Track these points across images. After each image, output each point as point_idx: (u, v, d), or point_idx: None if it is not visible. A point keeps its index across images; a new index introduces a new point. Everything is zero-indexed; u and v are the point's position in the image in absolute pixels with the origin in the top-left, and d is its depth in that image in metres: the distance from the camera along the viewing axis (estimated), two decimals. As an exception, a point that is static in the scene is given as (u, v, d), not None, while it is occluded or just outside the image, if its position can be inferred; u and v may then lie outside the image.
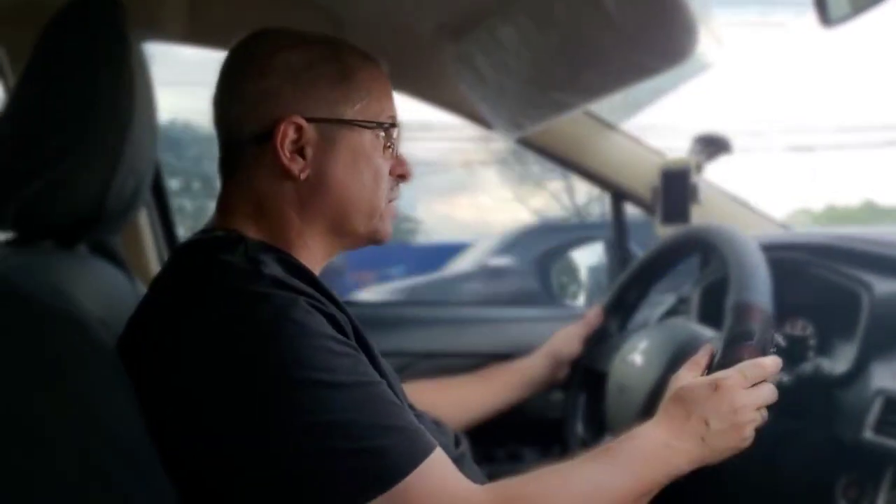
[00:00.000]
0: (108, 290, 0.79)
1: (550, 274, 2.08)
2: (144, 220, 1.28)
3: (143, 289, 0.81)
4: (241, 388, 0.62)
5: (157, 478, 0.61)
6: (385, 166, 0.78)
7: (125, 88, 0.69)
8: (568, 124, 1.42)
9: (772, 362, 0.81)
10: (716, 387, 0.77)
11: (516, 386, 1.17)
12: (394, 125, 0.79)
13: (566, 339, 1.19)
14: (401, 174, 0.81)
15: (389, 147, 0.79)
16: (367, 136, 0.77)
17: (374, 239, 0.80)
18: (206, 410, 0.63)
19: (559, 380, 1.20)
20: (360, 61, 0.78)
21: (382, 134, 0.78)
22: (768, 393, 0.79)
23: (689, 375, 0.83)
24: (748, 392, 0.78)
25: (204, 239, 0.74)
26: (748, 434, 0.77)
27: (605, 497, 0.71)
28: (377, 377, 0.68)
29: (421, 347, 1.46)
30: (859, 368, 0.91)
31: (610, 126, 1.52)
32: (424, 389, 1.08)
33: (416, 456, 0.64)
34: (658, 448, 0.75)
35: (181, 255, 0.75)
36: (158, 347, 0.66)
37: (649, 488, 0.74)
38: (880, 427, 0.82)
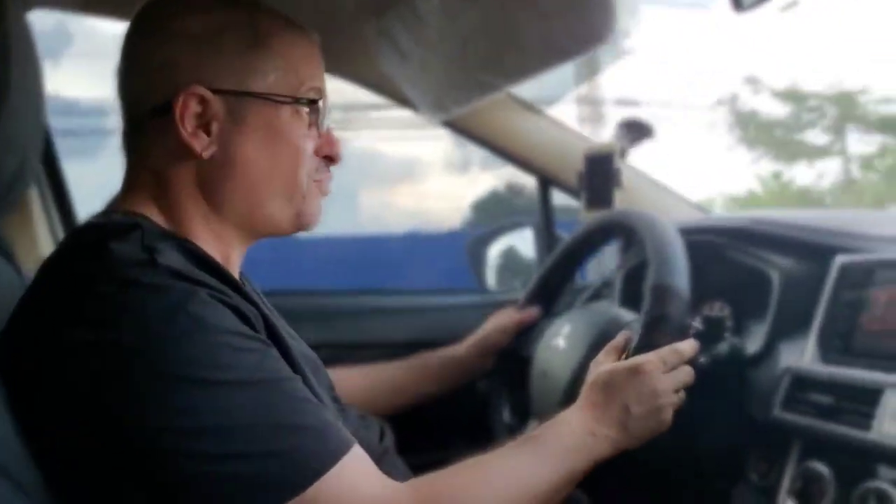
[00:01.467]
0: None
1: (480, 259, 2.07)
2: (35, 200, 1.19)
3: (30, 277, 0.74)
4: (132, 390, 0.57)
5: (41, 497, 0.56)
6: (307, 145, 0.72)
7: (1, 61, 0.63)
8: (494, 108, 1.42)
9: (689, 346, 0.82)
10: (636, 371, 0.78)
11: (445, 374, 1.16)
12: (316, 100, 0.72)
13: (496, 328, 1.19)
14: (328, 155, 0.75)
15: (313, 124, 0.72)
16: (285, 110, 0.70)
17: (297, 225, 0.74)
18: (93, 416, 0.57)
19: (488, 368, 1.20)
20: (276, 27, 0.71)
21: (304, 109, 0.71)
22: (685, 376, 0.81)
23: (607, 361, 0.83)
24: (667, 375, 0.79)
25: (99, 223, 0.68)
26: (667, 417, 0.79)
27: (529, 487, 0.71)
28: (287, 372, 0.64)
29: (347, 338, 1.44)
30: (770, 348, 0.93)
31: (536, 111, 1.52)
32: (352, 376, 1.07)
33: (327, 456, 0.60)
34: (580, 435, 0.75)
35: (71, 242, 0.69)
36: (42, 344, 0.60)
37: (573, 476, 0.74)
38: (787, 404, 0.84)
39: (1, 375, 0.60)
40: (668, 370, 0.79)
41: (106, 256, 0.61)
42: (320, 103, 0.73)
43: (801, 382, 0.84)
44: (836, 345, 0.84)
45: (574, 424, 0.76)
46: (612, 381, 0.78)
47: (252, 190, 0.71)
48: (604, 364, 0.83)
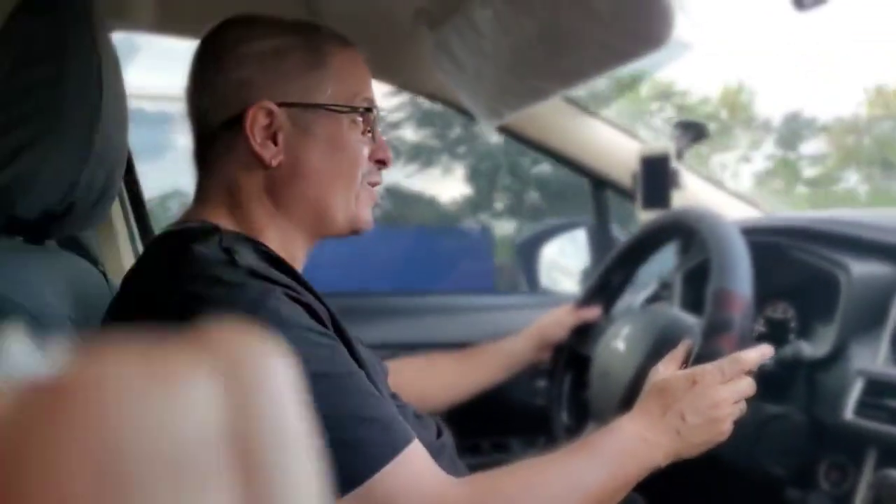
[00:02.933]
0: (79, 286, 0.77)
1: (534, 261, 2.07)
2: (117, 212, 1.26)
3: (117, 284, 0.79)
4: None
5: None
6: (363, 150, 0.77)
7: (93, 79, 0.67)
8: (547, 111, 1.42)
9: (750, 357, 0.81)
10: (693, 381, 0.78)
11: (500, 366, 1.16)
12: (370, 109, 0.78)
13: (553, 322, 1.19)
14: (380, 159, 0.80)
15: (368, 131, 0.78)
16: (343, 120, 0.76)
17: (354, 227, 0.79)
18: None
19: (542, 362, 1.20)
20: (332, 46, 0.77)
21: (359, 118, 0.77)
22: (746, 387, 0.80)
23: (667, 370, 0.83)
24: (725, 387, 0.78)
25: (177, 231, 0.73)
26: (725, 428, 0.78)
27: (582, 491, 0.72)
28: (355, 367, 0.67)
29: (404, 338, 1.46)
30: (839, 350, 0.91)
31: (589, 112, 1.51)
32: (409, 367, 1.09)
33: (391, 448, 0.63)
34: (635, 442, 0.76)
35: (154, 249, 0.74)
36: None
37: (626, 482, 0.74)
38: (861, 409, 0.83)
39: None
40: (728, 381, 0.79)
41: (189, 257, 0.66)
42: (373, 112, 0.78)
43: (875, 386, 0.82)
44: (911, 348, 0.82)
45: (628, 431, 0.77)
46: (669, 389, 0.79)
47: (317, 193, 0.76)
48: (662, 373, 0.83)
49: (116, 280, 0.84)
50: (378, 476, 0.61)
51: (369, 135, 0.78)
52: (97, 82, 0.67)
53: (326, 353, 0.64)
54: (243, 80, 0.73)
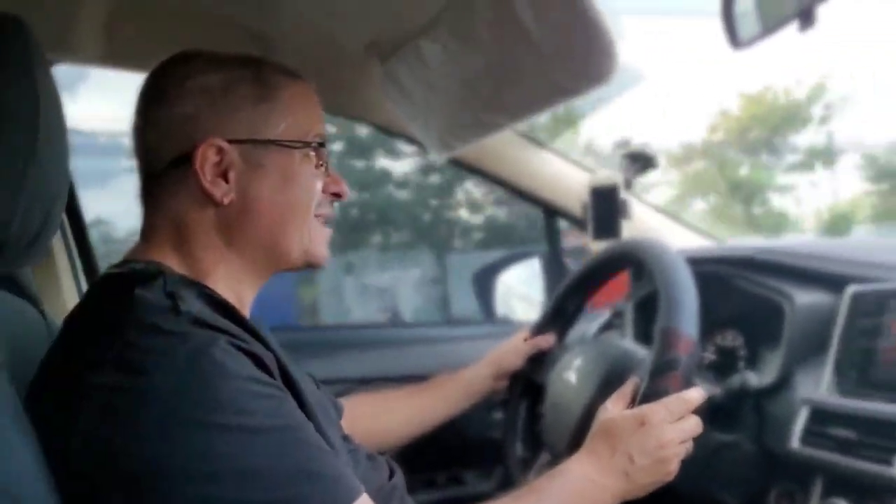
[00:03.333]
0: (14, 328, 0.74)
1: (490, 290, 2.07)
2: (59, 249, 1.22)
3: (57, 324, 0.76)
4: (153, 430, 0.58)
5: None
6: (316, 184, 0.77)
7: (30, 112, 0.65)
8: (498, 143, 1.43)
9: (696, 395, 0.81)
10: (641, 422, 0.78)
11: (458, 398, 1.15)
12: (322, 144, 0.77)
13: (510, 351, 1.18)
14: (335, 192, 0.80)
15: (320, 165, 0.77)
16: (296, 155, 0.75)
17: (308, 261, 0.78)
18: (115, 455, 0.58)
19: (500, 391, 1.19)
20: (282, 79, 0.76)
21: (312, 153, 0.76)
22: (692, 426, 0.80)
23: (614, 408, 0.83)
24: (673, 426, 0.79)
25: (121, 273, 0.70)
26: (673, 468, 0.79)
27: None
28: (301, 418, 0.65)
29: (359, 372, 1.44)
30: (785, 379, 0.93)
31: (540, 144, 1.54)
32: (365, 404, 1.07)
33: (343, 500, 0.61)
34: (583, 484, 0.76)
35: (96, 291, 0.71)
36: (68, 390, 0.61)
37: None
38: (807, 437, 0.84)
39: (31, 419, 0.61)
40: (675, 420, 0.79)
41: (131, 303, 0.63)
42: (326, 146, 0.78)
43: (820, 415, 0.84)
44: (853, 376, 0.84)
45: (576, 473, 0.77)
46: (616, 430, 0.79)
47: (270, 229, 0.74)
48: (610, 412, 0.83)
49: (58, 319, 0.80)
50: None
51: (322, 168, 0.77)
52: (33, 117, 0.65)
53: (272, 405, 0.62)
54: (190, 115, 0.72)
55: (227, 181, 0.72)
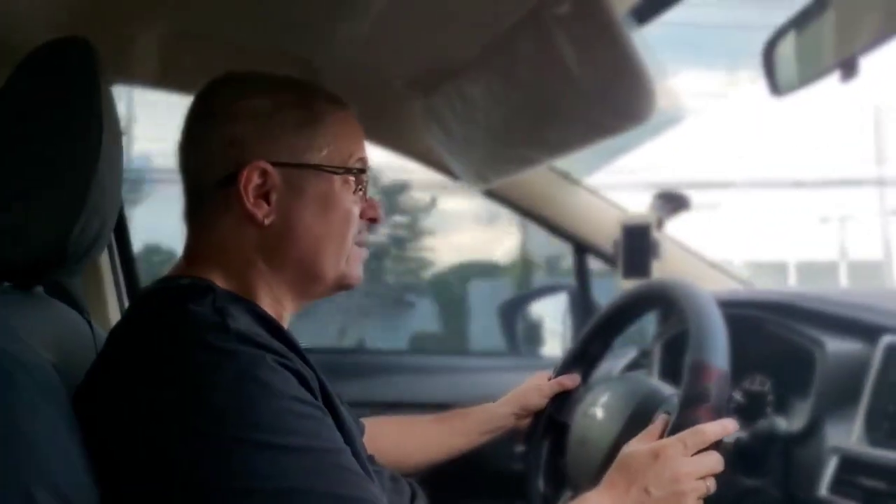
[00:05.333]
0: (64, 334, 0.77)
1: (514, 323, 2.08)
2: (105, 263, 1.26)
3: (101, 333, 0.79)
4: (200, 445, 0.59)
5: None
6: (355, 209, 0.78)
7: (93, 131, 0.68)
8: (532, 177, 1.45)
9: (712, 430, 0.80)
10: (656, 455, 0.78)
11: (479, 431, 1.15)
12: (363, 170, 0.79)
13: (533, 389, 1.18)
14: (371, 217, 0.81)
15: (360, 190, 0.78)
16: (336, 180, 0.76)
17: (342, 285, 0.79)
18: (161, 466, 0.60)
19: (521, 428, 1.20)
20: (327, 105, 0.78)
21: (352, 178, 0.77)
22: (712, 462, 0.79)
23: (638, 444, 0.83)
24: (689, 461, 0.78)
25: (170, 287, 0.73)
26: (691, 503, 0.77)
27: None
28: (341, 443, 0.66)
29: (383, 397, 1.45)
30: (814, 426, 0.92)
31: (573, 180, 1.55)
32: (388, 427, 1.08)
33: None
34: None
35: (145, 304, 0.74)
36: (118, 399, 0.64)
37: None
38: (835, 486, 0.83)
39: (80, 423, 0.63)
40: (691, 453, 0.78)
41: (182, 317, 0.66)
42: (366, 172, 0.79)
43: (850, 464, 0.83)
44: (885, 427, 0.83)
45: None
46: (633, 464, 0.79)
47: (308, 252, 0.76)
48: (631, 446, 0.82)
49: (101, 328, 0.83)
50: None
51: (360, 193, 0.79)
52: (96, 135, 0.69)
53: (313, 426, 0.64)
54: (237, 137, 0.74)
55: (268, 203, 0.74)
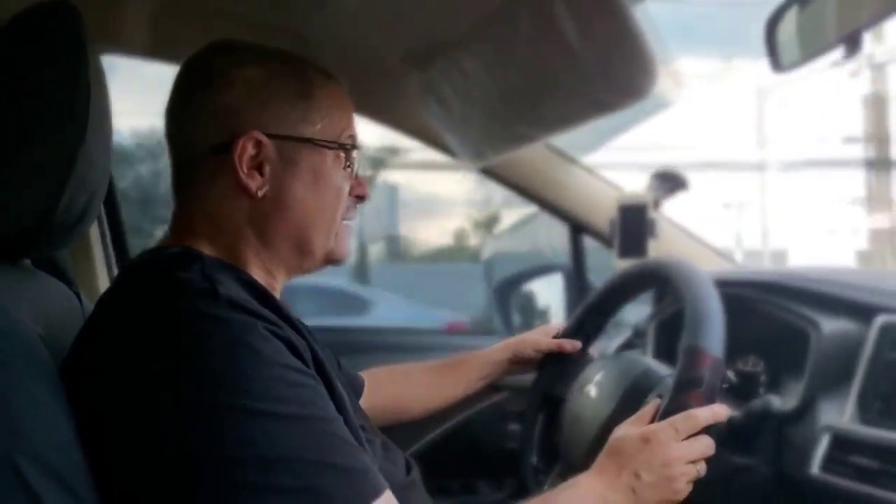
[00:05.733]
0: (51, 306, 0.76)
1: (509, 302, 2.08)
2: (95, 235, 1.25)
3: (89, 305, 0.78)
4: (190, 413, 0.59)
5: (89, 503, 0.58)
6: (345, 186, 0.78)
7: (80, 100, 0.67)
8: (529, 156, 1.44)
9: (703, 415, 0.80)
10: (647, 439, 0.78)
11: (476, 377, 1.18)
12: (354, 146, 0.79)
13: (531, 343, 1.19)
14: (359, 194, 0.81)
15: (349, 167, 0.78)
16: (328, 155, 0.76)
17: (330, 259, 0.80)
18: (149, 434, 0.60)
19: (513, 372, 1.21)
20: (321, 79, 0.77)
21: (343, 154, 0.77)
22: (703, 446, 0.79)
23: (628, 428, 0.83)
24: (680, 446, 0.78)
25: (158, 257, 0.71)
26: (681, 487, 0.78)
27: None
28: (332, 412, 0.65)
29: None
30: (807, 405, 0.92)
31: (570, 160, 1.54)
32: (385, 380, 1.10)
33: (360, 498, 0.61)
34: (593, 499, 0.76)
35: (133, 273, 0.73)
36: (105, 368, 0.63)
37: None
38: (827, 465, 0.83)
39: (68, 394, 0.62)
40: (682, 438, 0.78)
41: (171, 284, 0.65)
42: (356, 149, 0.79)
43: (842, 443, 0.83)
44: (877, 406, 0.84)
45: (585, 488, 0.77)
46: (624, 448, 0.79)
47: (299, 226, 0.75)
48: (622, 430, 0.83)
49: (90, 301, 0.83)
50: None
51: (349, 170, 0.78)
52: (83, 104, 0.67)
53: (304, 395, 0.63)
54: (233, 106, 0.73)
55: (261, 174, 0.73)
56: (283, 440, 0.60)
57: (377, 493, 0.63)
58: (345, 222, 0.79)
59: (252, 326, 0.62)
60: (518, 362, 1.19)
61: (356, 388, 0.98)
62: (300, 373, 0.64)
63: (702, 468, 0.79)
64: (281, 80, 0.75)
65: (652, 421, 0.83)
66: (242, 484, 0.58)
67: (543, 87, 0.99)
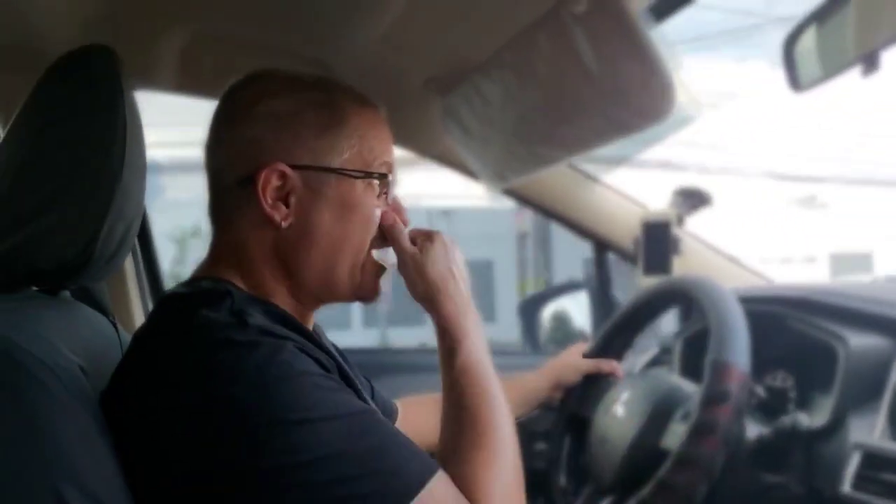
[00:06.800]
0: (91, 337, 0.78)
1: (535, 321, 2.07)
2: (129, 267, 1.28)
3: (127, 336, 0.80)
4: (234, 437, 0.61)
5: None
6: (376, 214, 0.77)
7: (118, 137, 0.69)
8: (551, 176, 1.45)
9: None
10: (429, 239, 0.79)
11: (516, 404, 1.15)
12: (386, 174, 0.77)
13: (569, 365, 1.19)
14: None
15: (383, 195, 0.77)
16: (359, 184, 0.75)
17: (359, 296, 0.79)
18: (199, 466, 0.61)
19: (554, 399, 1.20)
20: (352, 105, 0.76)
21: (376, 182, 0.76)
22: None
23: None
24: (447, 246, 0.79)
25: (189, 291, 0.73)
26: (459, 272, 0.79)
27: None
28: (367, 406, 0.68)
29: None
30: (837, 422, 0.92)
31: (593, 178, 1.55)
32: (421, 406, 1.09)
33: (424, 471, 0.64)
34: (480, 360, 0.76)
35: (167, 307, 0.75)
36: (144, 400, 0.65)
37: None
38: (859, 482, 0.83)
39: (108, 425, 0.64)
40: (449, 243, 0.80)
41: (198, 323, 0.66)
42: (390, 176, 0.78)
43: (873, 460, 0.82)
44: (908, 423, 0.83)
45: (467, 347, 0.76)
46: (440, 280, 0.78)
47: (326, 256, 0.75)
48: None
49: (126, 331, 0.85)
50: (420, 496, 0.61)
51: (384, 197, 0.77)
52: (121, 141, 0.70)
53: (342, 398, 0.65)
54: (257, 138, 0.74)
55: (287, 205, 0.73)
56: (332, 439, 0.61)
57: (434, 470, 0.65)
58: (376, 256, 0.78)
59: (282, 346, 0.64)
60: (559, 388, 1.18)
61: (389, 415, 0.99)
62: (330, 379, 0.66)
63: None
64: (308, 109, 0.75)
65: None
66: (311, 485, 0.60)
67: (563, 110, 1.00)
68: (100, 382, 0.68)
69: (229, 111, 0.77)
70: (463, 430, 0.72)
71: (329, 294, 0.78)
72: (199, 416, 0.62)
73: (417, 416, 1.05)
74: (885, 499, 0.79)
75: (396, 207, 0.79)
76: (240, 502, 0.61)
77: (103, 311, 0.87)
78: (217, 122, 0.78)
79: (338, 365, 0.71)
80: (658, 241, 1.40)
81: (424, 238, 0.79)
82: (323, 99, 0.76)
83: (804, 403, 1.02)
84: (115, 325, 0.86)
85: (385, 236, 0.79)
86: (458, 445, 0.71)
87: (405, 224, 0.80)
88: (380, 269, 0.79)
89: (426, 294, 0.78)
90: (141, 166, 0.75)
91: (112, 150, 0.69)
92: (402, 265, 0.78)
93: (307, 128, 0.74)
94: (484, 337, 0.78)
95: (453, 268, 0.79)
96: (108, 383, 0.68)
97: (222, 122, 0.77)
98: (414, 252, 0.78)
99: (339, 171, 0.74)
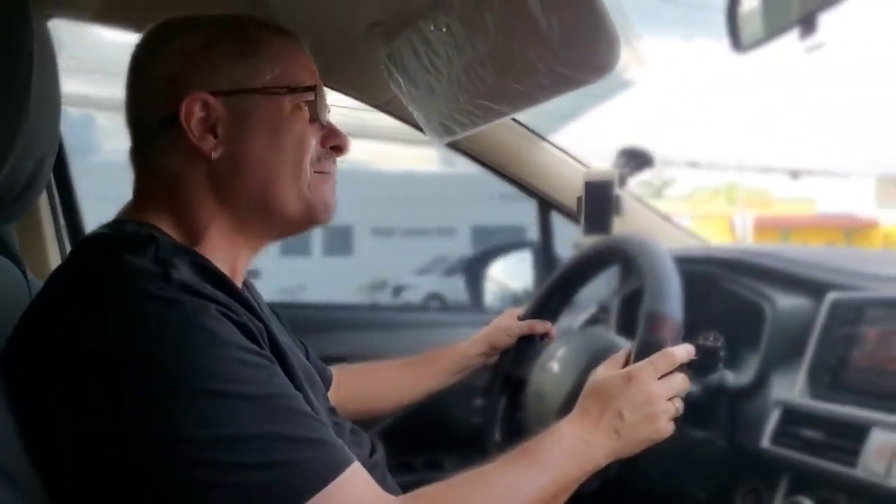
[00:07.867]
0: None
1: (479, 279, 2.09)
2: (45, 207, 1.20)
3: (38, 284, 0.76)
4: (145, 396, 0.58)
5: (36, 498, 0.57)
6: (310, 135, 0.76)
7: (24, 66, 0.65)
8: (497, 132, 1.44)
9: (679, 352, 0.82)
10: (628, 378, 0.79)
11: (449, 371, 1.18)
12: (311, 87, 0.76)
13: (503, 329, 1.20)
14: (335, 145, 0.78)
15: (314, 117, 0.76)
16: (285, 104, 0.74)
17: (309, 217, 0.77)
18: (103, 421, 0.58)
19: (489, 364, 1.21)
20: (268, 34, 0.76)
21: (304, 105, 0.75)
22: (680, 382, 0.81)
23: (606, 372, 0.84)
24: (660, 383, 0.79)
25: (113, 233, 0.70)
26: (663, 425, 0.79)
27: (524, 496, 0.71)
28: (291, 389, 0.65)
29: (350, 351, 1.45)
30: (761, 380, 0.94)
31: (538, 136, 1.54)
32: (356, 373, 1.10)
33: (331, 468, 0.62)
34: (575, 444, 0.76)
35: (85, 252, 0.71)
36: (49, 348, 0.61)
37: (568, 484, 0.74)
38: (777, 437, 0.85)
39: (5, 378, 0.61)
40: (661, 376, 0.80)
41: (122, 268, 0.63)
42: (317, 96, 0.76)
43: (792, 416, 0.85)
44: (826, 380, 0.86)
45: (567, 433, 0.77)
46: (605, 389, 0.80)
47: (262, 182, 0.73)
48: (600, 373, 0.83)
49: (39, 279, 0.80)
50: (319, 496, 0.60)
51: (317, 122, 0.76)
52: (26, 71, 0.65)
53: (263, 375, 0.63)
54: (173, 74, 0.72)
55: (215, 136, 0.72)
56: (248, 419, 0.59)
57: (348, 462, 0.63)
58: (320, 174, 0.77)
59: (204, 308, 0.62)
60: (494, 354, 1.19)
61: (325, 380, 0.97)
62: (255, 354, 0.63)
63: (680, 405, 0.81)
64: (221, 40, 0.74)
65: (625, 365, 0.84)
66: (211, 464, 0.57)
67: (507, 62, 0.98)
68: (3, 335, 0.64)
69: (142, 55, 0.76)
70: (477, 486, 0.71)
71: (273, 222, 0.76)
72: (109, 367, 0.59)
73: (351, 384, 1.04)
74: (801, 453, 0.82)
75: (332, 131, 0.78)
76: (135, 466, 0.58)
77: (11, 256, 0.82)
78: (133, 64, 0.76)
79: (266, 327, 0.68)
80: (599, 201, 1.40)
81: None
82: (236, 30, 0.75)
83: (732, 362, 1.05)
84: (24, 273, 0.81)
85: (332, 155, 0.78)
86: (467, 486, 0.70)
87: (343, 148, 0.79)
88: (328, 187, 0.77)
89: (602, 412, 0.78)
90: (54, 97, 0.71)
91: (15, 78, 0.64)
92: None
93: (224, 55, 0.73)
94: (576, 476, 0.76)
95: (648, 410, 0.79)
96: (10, 337, 0.64)
97: (138, 65, 0.75)
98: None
99: (262, 91, 0.73)
